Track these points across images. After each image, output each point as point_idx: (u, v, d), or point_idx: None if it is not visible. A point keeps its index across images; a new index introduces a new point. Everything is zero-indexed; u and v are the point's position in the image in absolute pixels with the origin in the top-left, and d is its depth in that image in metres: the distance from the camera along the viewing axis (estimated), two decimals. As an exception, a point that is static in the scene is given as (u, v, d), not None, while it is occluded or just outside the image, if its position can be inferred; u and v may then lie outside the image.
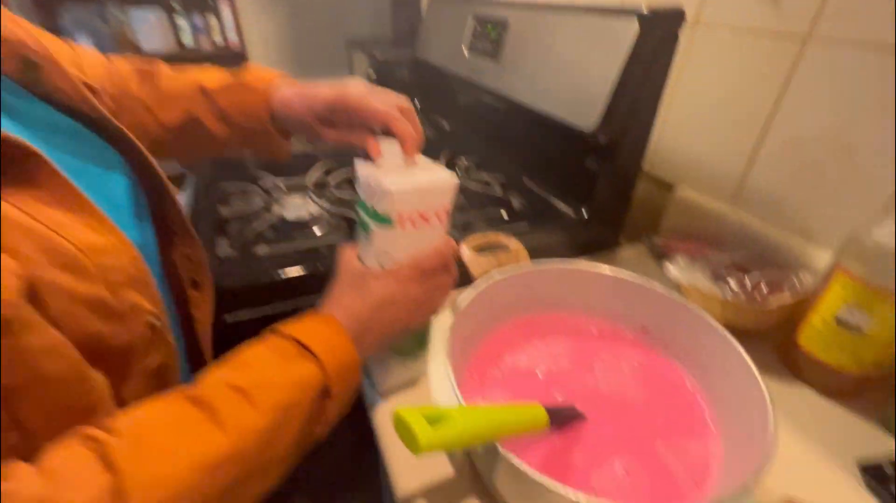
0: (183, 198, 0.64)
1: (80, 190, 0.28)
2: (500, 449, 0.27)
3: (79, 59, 0.43)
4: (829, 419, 0.42)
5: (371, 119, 0.39)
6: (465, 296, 0.39)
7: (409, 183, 0.34)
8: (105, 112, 0.35)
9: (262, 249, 0.51)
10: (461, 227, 0.59)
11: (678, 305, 0.40)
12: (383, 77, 1.19)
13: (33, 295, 0.23)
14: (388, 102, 0.39)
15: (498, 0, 0.75)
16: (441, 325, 0.38)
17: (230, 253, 0.53)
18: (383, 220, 0.34)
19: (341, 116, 0.41)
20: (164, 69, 0.46)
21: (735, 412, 0.34)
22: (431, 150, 0.81)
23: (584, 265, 0.44)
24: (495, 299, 0.42)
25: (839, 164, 0.49)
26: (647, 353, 0.42)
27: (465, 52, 0.80)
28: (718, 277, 0.51)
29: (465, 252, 0.45)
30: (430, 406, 0.25)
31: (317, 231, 0.57)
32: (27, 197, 0.25)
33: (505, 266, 0.44)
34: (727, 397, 0.36)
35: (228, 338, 0.35)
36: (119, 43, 2.07)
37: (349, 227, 0.57)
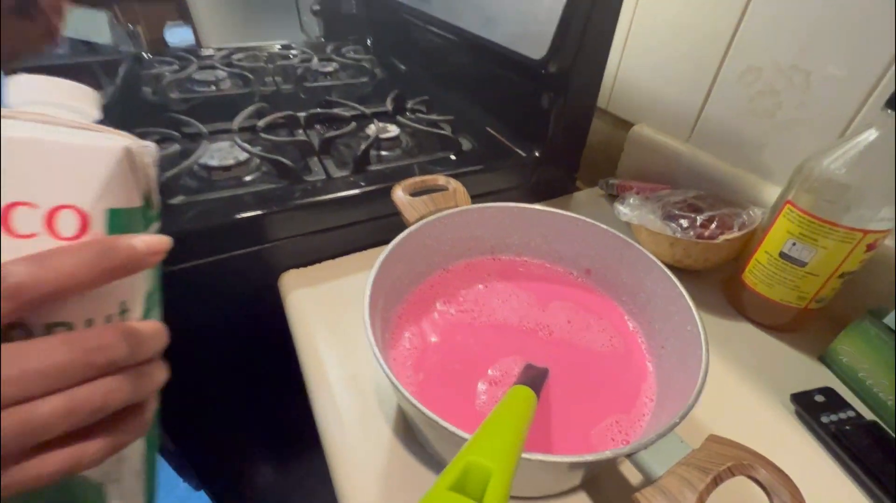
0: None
1: None
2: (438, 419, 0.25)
3: None
4: (769, 355, 0.42)
5: None
6: (393, 241, 0.35)
7: None
8: None
9: (177, 199, 0.46)
10: (403, 172, 0.55)
11: (620, 243, 0.38)
12: (330, 12, 1.08)
13: None
14: None
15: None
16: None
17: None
18: None
19: None
20: None
21: (671, 351, 0.33)
22: (380, 93, 0.75)
23: (523, 204, 0.41)
24: (429, 244, 0.39)
25: (796, 94, 0.47)
26: (592, 297, 0.40)
27: (412, -22, 0.73)
28: (669, 217, 0.49)
29: (399, 195, 0.41)
30: (451, 470, 0.17)
31: (245, 178, 0.52)
32: None
33: (443, 209, 0.40)
34: (666, 336, 0.34)
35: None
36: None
37: (279, 172, 0.52)
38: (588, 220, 0.40)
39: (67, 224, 0.18)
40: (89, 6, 1.53)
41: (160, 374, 0.21)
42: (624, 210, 0.49)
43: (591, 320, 0.39)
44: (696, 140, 0.58)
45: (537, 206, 0.41)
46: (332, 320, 0.43)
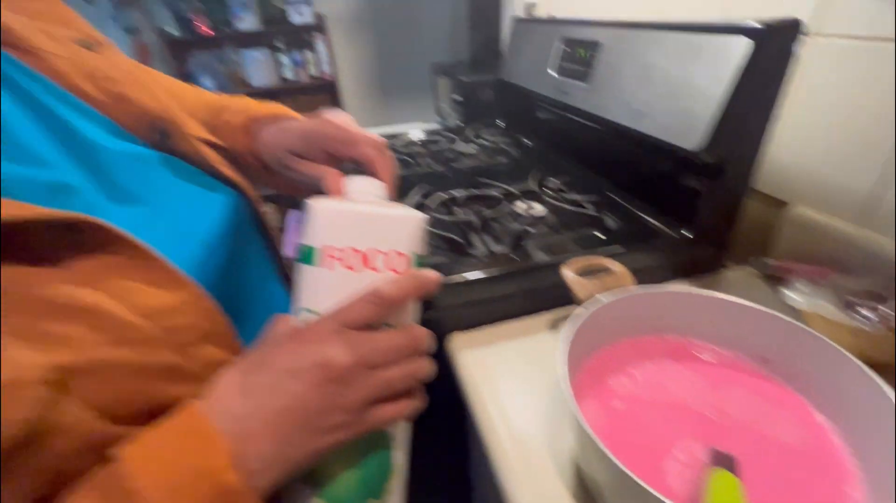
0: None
1: (148, 248, 0.26)
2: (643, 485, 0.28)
3: (185, 100, 0.46)
4: None
5: (348, 146, 0.37)
6: (575, 317, 0.40)
7: (344, 205, 0.30)
8: (221, 169, 0.38)
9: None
10: (553, 249, 0.60)
11: (803, 334, 0.38)
12: (468, 99, 1.24)
13: (82, 379, 0.22)
14: (367, 138, 0.37)
15: (588, 21, 0.75)
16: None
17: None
18: (305, 255, 0.28)
19: (315, 146, 0.39)
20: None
21: (879, 451, 0.32)
22: (518, 171, 0.83)
23: (695, 289, 0.43)
24: (602, 323, 0.42)
25: None
26: (769, 385, 0.40)
27: (553, 74, 0.82)
28: (847, 305, 0.47)
29: (568, 275, 0.46)
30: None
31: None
32: (90, 265, 0.24)
33: (610, 289, 0.44)
34: (867, 435, 0.33)
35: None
36: (232, 81, 2.36)
37: (449, 246, 0.61)
38: (764, 308, 0.40)
39: (397, 263, 0.29)
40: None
41: (432, 366, 0.31)
42: (794, 296, 0.48)
43: (770, 409, 0.38)
44: (870, 222, 0.55)
45: (710, 293, 0.43)
46: (502, 381, 0.48)
